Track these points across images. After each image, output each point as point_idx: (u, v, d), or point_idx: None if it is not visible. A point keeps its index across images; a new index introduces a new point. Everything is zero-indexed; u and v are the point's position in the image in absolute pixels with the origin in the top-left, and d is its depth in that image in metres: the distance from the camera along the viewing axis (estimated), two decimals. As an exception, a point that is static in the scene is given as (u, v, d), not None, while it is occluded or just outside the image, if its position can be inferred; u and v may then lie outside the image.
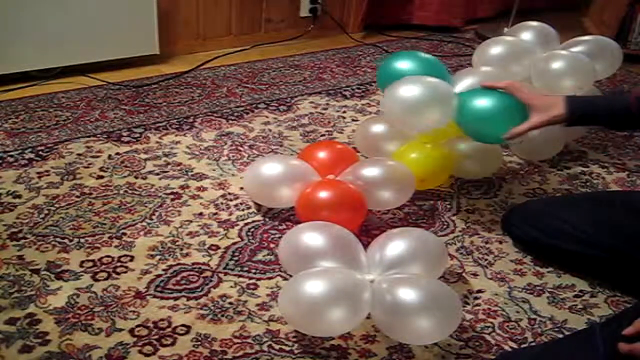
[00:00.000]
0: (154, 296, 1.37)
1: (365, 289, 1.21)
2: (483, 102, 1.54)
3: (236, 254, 1.51)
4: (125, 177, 1.78)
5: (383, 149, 1.77)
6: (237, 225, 1.62)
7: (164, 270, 1.44)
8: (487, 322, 1.37)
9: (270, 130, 2.10)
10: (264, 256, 1.51)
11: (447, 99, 1.57)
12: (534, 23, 2.04)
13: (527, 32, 2.00)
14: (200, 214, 1.65)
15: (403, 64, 1.68)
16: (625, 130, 2.11)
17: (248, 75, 2.53)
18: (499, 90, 1.55)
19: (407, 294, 1.17)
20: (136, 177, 1.78)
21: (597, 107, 1.45)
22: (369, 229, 1.62)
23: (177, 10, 2.57)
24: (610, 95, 1.51)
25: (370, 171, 1.59)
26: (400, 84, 1.58)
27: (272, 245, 1.55)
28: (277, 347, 1.27)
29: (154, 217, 1.62)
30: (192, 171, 1.83)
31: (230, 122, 2.13)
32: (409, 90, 1.55)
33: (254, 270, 1.47)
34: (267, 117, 2.19)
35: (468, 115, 1.56)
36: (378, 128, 1.80)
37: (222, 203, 1.70)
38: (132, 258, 1.47)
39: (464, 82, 1.70)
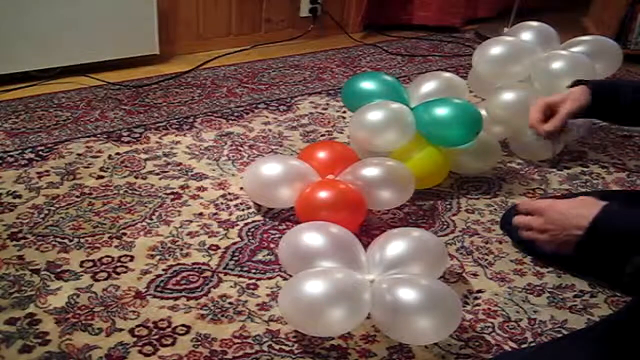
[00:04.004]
0: (154, 296, 1.37)
1: (365, 289, 1.20)
2: (438, 111, 1.69)
3: (236, 254, 1.51)
4: (125, 177, 1.78)
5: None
6: (237, 225, 1.62)
7: (164, 270, 1.44)
8: (487, 322, 1.36)
9: (270, 130, 2.10)
10: (264, 256, 1.51)
11: (405, 119, 1.72)
12: (534, 23, 2.04)
13: (527, 32, 2.00)
14: (200, 214, 1.65)
15: (366, 84, 1.81)
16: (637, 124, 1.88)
17: (248, 75, 2.53)
18: (449, 98, 1.71)
19: (407, 294, 1.17)
20: (136, 177, 1.78)
21: (619, 86, 1.36)
22: (369, 229, 1.62)
23: (177, 10, 2.57)
24: (626, 82, 1.42)
25: (370, 171, 1.59)
26: (363, 110, 1.72)
27: (272, 245, 1.55)
28: (277, 347, 1.27)
29: (154, 217, 1.62)
30: (192, 171, 1.83)
31: (230, 122, 2.13)
32: (372, 116, 1.70)
33: (254, 270, 1.47)
34: (267, 117, 2.19)
35: (427, 124, 1.71)
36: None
37: (222, 203, 1.70)
38: (132, 258, 1.47)
39: (421, 91, 1.81)
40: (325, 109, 2.29)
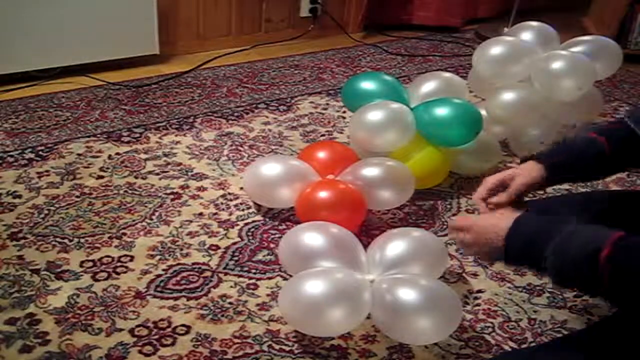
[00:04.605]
0: (154, 296, 1.37)
1: (365, 289, 1.20)
2: (438, 111, 1.70)
3: (236, 254, 1.51)
4: (125, 177, 1.78)
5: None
6: (237, 225, 1.62)
7: (164, 270, 1.44)
8: (487, 322, 1.36)
9: (270, 130, 2.10)
10: (264, 256, 1.51)
11: (405, 119, 1.72)
12: (534, 23, 2.03)
13: (527, 32, 2.00)
14: (200, 214, 1.65)
15: (366, 84, 1.81)
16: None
17: (248, 75, 2.53)
18: (449, 98, 1.70)
19: (407, 294, 1.17)
20: (136, 177, 1.78)
21: (571, 156, 1.28)
22: (369, 229, 1.62)
23: (177, 10, 2.57)
24: (577, 142, 1.34)
25: (370, 171, 1.59)
26: (363, 110, 1.72)
27: (272, 245, 1.55)
28: (277, 347, 1.27)
29: (154, 217, 1.62)
30: (192, 171, 1.83)
31: (230, 122, 2.13)
32: (372, 116, 1.70)
33: (254, 270, 1.47)
34: (267, 117, 2.19)
35: (427, 124, 1.71)
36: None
37: (222, 203, 1.70)
38: (132, 258, 1.47)
39: (420, 91, 1.81)
40: (325, 109, 2.29)
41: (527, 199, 1.73)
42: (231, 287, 1.41)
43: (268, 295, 1.39)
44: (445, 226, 1.68)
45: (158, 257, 1.48)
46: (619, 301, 1.03)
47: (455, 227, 1.18)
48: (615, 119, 1.30)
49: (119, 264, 1.45)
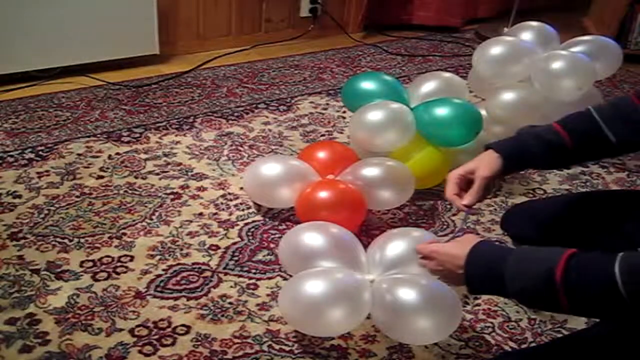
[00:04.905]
0: (154, 296, 1.37)
1: (365, 289, 1.20)
2: (438, 111, 1.70)
3: (236, 254, 1.51)
4: (125, 177, 1.78)
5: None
6: (237, 225, 1.62)
7: (164, 270, 1.44)
8: (487, 322, 1.36)
9: (270, 130, 2.10)
10: (264, 256, 1.51)
11: (405, 119, 1.72)
12: (534, 23, 2.03)
13: (527, 32, 2.00)
14: (200, 214, 1.65)
15: (366, 84, 1.81)
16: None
17: (248, 75, 2.53)
18: (449, 98, 1.71)
19: (407, 294, 1.17)
20: (136, 177, 1.78)
21: (528, 144, 1.27)
22: (369, 229, 1.62)
23: (177, 10, 2.57)
24: (536, 131, 1.33)
25: (370, 171, 1.59)
26: (364, 110, 1.72)
27: (272, 245, 1.55)
28: (277, 347, 1.27)
29: (154, 217, 1.62)
30: (192, 171, 1.83)
31: (230, 122, 2.13)
32: (372, 116, 1.70)
33: (254, 270, 1.47)
34: (267, 117, 2.19)
35: (427, 124, 1.71)
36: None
37: (222, 203, 1.70)
38: (132, 258, 1.47)
39: (421, 91, 1.81)
40: (325, 109, 2.29)
41: (527, 199, 1.73)
42: (231, 287, 1.41)
43: (268, 295, 1.39)
44: (445, 226, 1.68)
45: (158, 257, 1.48)
46: (585, 316, 1.03)
47: (422, 254, 1.18)
48: (583, 110, 1.29)
49: (119, 264, 1.45)
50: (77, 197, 1.67)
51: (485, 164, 1.26)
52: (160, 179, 1.78)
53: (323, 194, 1.53)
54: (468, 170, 1.27)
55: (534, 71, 1.90)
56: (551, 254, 0.96)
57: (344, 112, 2.24)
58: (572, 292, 0.91)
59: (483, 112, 1.85)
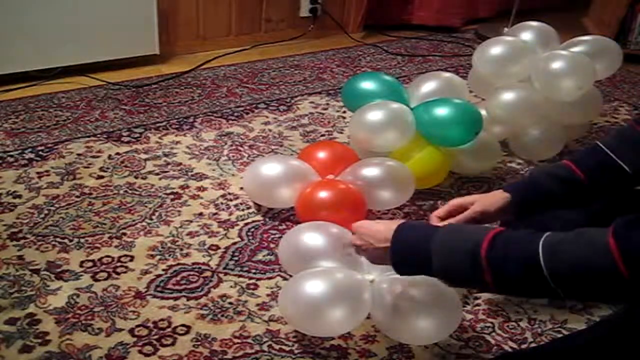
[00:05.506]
0: (154, 296, 1.37)
1: (365, 289, 1.20)
2: (438, 111, 1.70)
3: (236, 254, 1.51)
4: (125, 177, 1.78)
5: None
6: (237, 225, 1.62)
7: (164, 270, 1.44)
8: (487, 322, 1.36)
9: (270, 130, 2.10)
10: (264, 256, 1.51)
11: (405, 119, 1.72)
12: (534, 23, 2.03)
13: (527, 32, 2.00)
14: (200, 214, 1.65)
15: (366, 84, 1.81)
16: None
17: (248, 75, 2.53)
18: (449, 98, 1.71)
19: (407, 294, 1.17)
20: (136, 177, 1.78)
21: (540, 182, 1.26)
22: (369, 229, 1.62)
23: (177, 10, 2.57)
24: (548, 169, 1.31)
25: (370, 171, 1.59)
26: (363, 110, 1.72)
27: (272, 245, 1.55)
28: (277, 347, 1.27)
29: (154, 217, 1.62)
30: (192, 171, 1.83)
31: (230, 122, 2.13)
32: (372, 116, 1.70)
33: (254, 270, 1.47)
34: (267, 117, 2.19)
35: (427, 124, 1.71)
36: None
37: (222, 203, 1.70)
38: (132, 258, 1.47)
39: (420, 91, 1.81)
40: (325, 109, 2.29)
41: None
42: (231, 287, 1.41)
43: (268, 295, 1.39)
44: (445, 226, 1.68)
45: (158, 257, 1.48)
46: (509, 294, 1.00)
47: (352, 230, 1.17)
48: (590, 146, 1.29)
49: (119, 264, 1.45)
50: (77, 197, 1.67)
51: (486, 199, 1.26)
52: (160, 179, 1.78)
53: (323, 194, 1.54)
54: (469, 201, 1.27)
55: (534, 71, 1.90)
56: (478, 230, 0.97)
57: (344, 112, 2.24)
58: (496, 267, 0.91)
59: (483, 112, 1.85)
